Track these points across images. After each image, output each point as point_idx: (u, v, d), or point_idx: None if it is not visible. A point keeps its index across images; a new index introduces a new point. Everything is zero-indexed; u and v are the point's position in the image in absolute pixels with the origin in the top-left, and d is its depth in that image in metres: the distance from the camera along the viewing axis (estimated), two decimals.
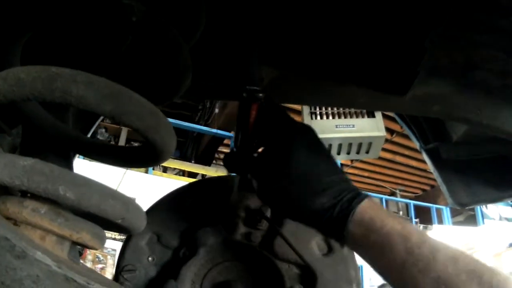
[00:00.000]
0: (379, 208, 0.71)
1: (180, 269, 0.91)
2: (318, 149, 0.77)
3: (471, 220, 10.67)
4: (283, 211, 0.79)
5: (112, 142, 9.08)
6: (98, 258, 5.85)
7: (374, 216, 0.69)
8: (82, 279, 0.47)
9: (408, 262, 0.64)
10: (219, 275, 0.96)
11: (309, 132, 0.79)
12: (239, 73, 1.15)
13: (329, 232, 0.74)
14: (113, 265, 5.82)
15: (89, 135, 1.45)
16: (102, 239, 0.67)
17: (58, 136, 0.90)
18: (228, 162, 0.87)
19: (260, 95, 0.81)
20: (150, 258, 0.96)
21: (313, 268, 0.92)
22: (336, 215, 0.70)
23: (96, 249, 0.66)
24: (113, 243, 5.55)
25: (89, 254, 5.87)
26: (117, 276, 0.94)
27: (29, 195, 0.63)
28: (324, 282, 0.92)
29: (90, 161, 6.10)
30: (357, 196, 0.71)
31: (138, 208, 0.67)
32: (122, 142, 8.88)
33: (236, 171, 0.88)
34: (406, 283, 0.65)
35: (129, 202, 0.64)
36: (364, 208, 0.69)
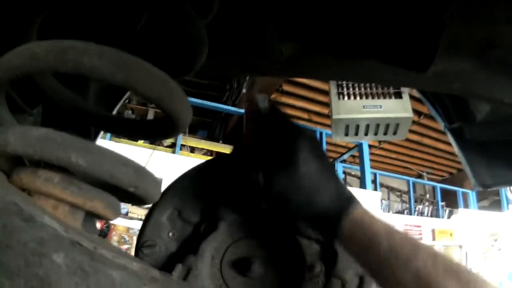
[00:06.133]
0: (369, 212, 0.80)
1: (200, 244, 0.90)
2: (322, 155, 0.86)
3: (496, 205, 10.63)
4: (287, 206, 0.84)
5: None
6: (124, 238, 5.87)
7: (364, 217, 0.78)
8: (90, 244, 0.46)
9: (391, 258, 0.71)
10: (239, 250, 0.94)
11: (314, 139, 0.89)
12: (259, 48, 1.15)
13: (324, 227, 0.83)
14: None
15: None
16: (116, 209, 0.65)
17: (76, 111, 0.91)
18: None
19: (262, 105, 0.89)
20: (170, 234, 0.95)
21: (335, 245, 0.90)
22: (333, 212, 0.79)
23: (110, 219, 0.65)
24: (140, 224, 5.60)
25: (115, 235, 5.90)
26: (136, 252, 0.94)
27: (42, 164, 0.63)
28: (345, 260, 0.89)
29: (117, 142, 6.19)
30: (352, 200, 0.81)
31: (152, 176, 0.66)
32: None
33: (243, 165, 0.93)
34: (388, 277, 0.72)
35: (142, 170, 0.63)
36: (357, 210, 0.79)
